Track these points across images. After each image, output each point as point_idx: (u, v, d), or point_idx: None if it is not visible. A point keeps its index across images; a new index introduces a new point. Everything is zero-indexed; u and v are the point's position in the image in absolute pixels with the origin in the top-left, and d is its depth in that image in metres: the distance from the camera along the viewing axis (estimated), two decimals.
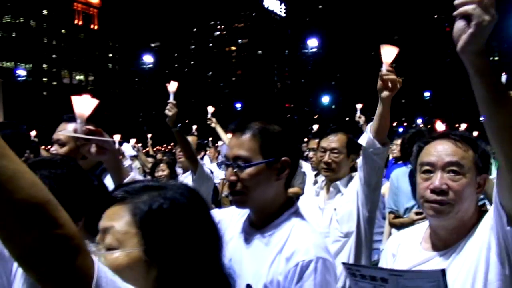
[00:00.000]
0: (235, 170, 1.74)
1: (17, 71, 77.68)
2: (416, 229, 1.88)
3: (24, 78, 79.55)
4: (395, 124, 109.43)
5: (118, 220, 1.16)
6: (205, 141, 11.66)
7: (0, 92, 21.81)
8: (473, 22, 1.09)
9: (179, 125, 4.12)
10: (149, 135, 16.11)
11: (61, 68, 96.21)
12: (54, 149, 3.03)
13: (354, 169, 3.38)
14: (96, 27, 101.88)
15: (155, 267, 1.14)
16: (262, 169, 1.73)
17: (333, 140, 3.27)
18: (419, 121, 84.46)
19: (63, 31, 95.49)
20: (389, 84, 2.70)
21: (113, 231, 1.15)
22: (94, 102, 1.98)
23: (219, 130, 7.94)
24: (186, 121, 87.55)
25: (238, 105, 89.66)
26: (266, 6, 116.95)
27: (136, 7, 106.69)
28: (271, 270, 1.69)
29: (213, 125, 7.73)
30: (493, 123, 1.26)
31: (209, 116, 7.54)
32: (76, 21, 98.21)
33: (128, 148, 9.94)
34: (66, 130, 2.66)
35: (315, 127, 12.06)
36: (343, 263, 1.59)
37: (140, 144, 18.82)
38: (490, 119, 1.26)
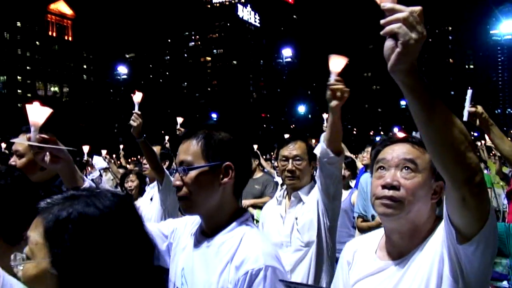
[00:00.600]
0: (180, 174, 1.77)
1: None
2: (372, 236, 1.85)
3: None
4: (372, 133, 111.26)
5: (34, 230, 1.16)
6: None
7: None
8: (399, 41, 1.07)
9: (144, 135, 4.12)
10: (121, 146, 16.09)
11: (35, 80, 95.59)
12: (13, 160, 2.97)
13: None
14: (70, 39, 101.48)
15: (63, 279, 1.11)
16: (204, 173, 1.76)
17: (294, 148, 3.25)
18: (396, 129, 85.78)
19: (37, 42, 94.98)
20: (338, 94, 2.74)
21: (29, 241, 1.16)
22: (48, 110, 2.00)
23: None
24: (162, 132, 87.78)
25: (214, 116, 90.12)
26: (240, 16, 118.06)
27: (111, 18, 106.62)
28: (221, 278, 1.70)
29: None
30: (430, 141, 1.24)
31: (178, 126, 7.59)
32: (50, 33, 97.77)
33: (100, 160, 10.09)
34: (20, 138, 2.66)
35: (287, 136, 12.18)
36: (280, 280, 1.62)
37: (114, 155, 19.01)
38: (428, 138, 1.24)
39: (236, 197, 1.85)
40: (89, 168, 9.80)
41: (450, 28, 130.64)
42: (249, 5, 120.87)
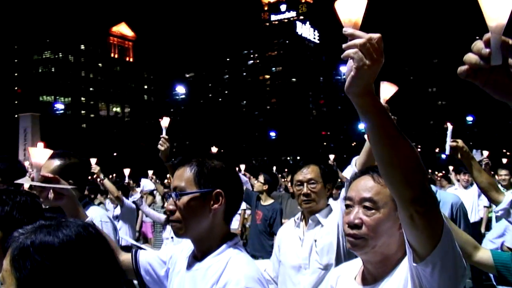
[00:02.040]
0: (174, 199, 1.85)
1: (55, 105, 78.97)
2: (354, 263, 1.91)
3: (62, 111, 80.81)
4: (437, 150, 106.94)
5: (6, 258, 1.22)
6: None
7: (38, 125, 21.61)
8: (354, 65, 1.13)
9: (173, 159, 4.04)
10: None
11: (98, 101, 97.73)
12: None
13: (331, 196, 3.43)
14: (131, 60, 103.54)
15: None
16: (196, 199, 1.83)
17: (308, 172, 3.26)
18: None
19: (99, 64, 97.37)
20: None
21: (2, 268, 1.22)
22: (48, 152, 2.12)
23: None
24: (222, 150, 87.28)
25: (273, 134, 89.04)
26: (299, 33, 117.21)
27: (170, 38, 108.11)
28: None
29: None
30: (379, 160, 1.30)
31: None
32: (112, 54, 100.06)
33: (148, 183, 9.69)
34: (24, 179, 2.55)
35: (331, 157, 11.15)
36: None
37: (168, 175, 18.29)
38: (377, 157, 1.30)
39: (226, 222, 1.93)
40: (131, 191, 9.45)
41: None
42: (308, 22, 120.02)
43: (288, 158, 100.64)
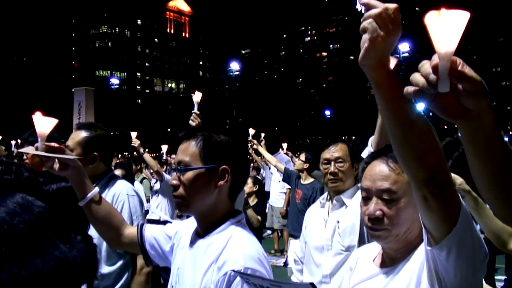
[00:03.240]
0: (178, 174, 1.81)
1: (111, 79, 79.15)
2: (376, 245, 1.87)
3: (117, 86, 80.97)
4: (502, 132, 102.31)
5: None
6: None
7: (92, 100, 20.96)
8: (367, 37, 1.10)
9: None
10: None
11: (153, 76, 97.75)
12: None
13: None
14: (187, 35, 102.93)
15: None
16: (201, 175, 1.79)
17: (336, 150, 3.24)
18: None
19: (156, 39, 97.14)
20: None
21: None
22: (54, 121, 2.09)
23: (262, 151, 7.77)
24: (276, 128, 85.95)
25: (328, 112, 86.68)
26: (359, 9, 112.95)
27: (227, 14, 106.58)
28: (205, 278, 1.73)
29: (254, 146, 7.74)
30: (393, 138, 1.26)
31: (249, 138, 7.61)
32: (168, 30, 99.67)
33: None
34: (27, 148, 2.56)
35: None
36: (233, 271, 1.65)
37: None
38: (391, 134, 1.26)
39: (231, 200, 1.90)
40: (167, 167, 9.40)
41: None
42: None
43: (344, 137, 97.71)
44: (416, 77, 0.97)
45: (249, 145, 7.75)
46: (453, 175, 3.07)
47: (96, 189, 2.14)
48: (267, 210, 10.51)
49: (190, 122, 3.82)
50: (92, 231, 2.12)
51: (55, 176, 2.14)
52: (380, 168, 1.68)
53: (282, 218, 9.46)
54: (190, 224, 2.00)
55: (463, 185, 2.88)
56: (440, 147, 1.27)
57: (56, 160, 2.02)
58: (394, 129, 1.23)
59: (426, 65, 0.95)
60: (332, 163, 3.20)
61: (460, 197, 1.34)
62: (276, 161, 7.88)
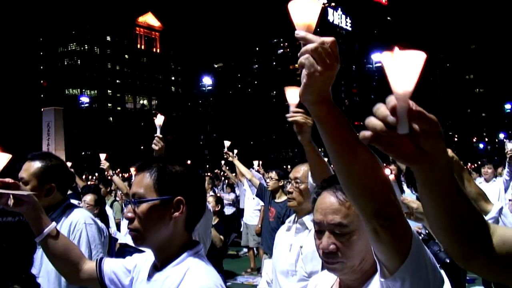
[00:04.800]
0: (132, 206, 1.80)
1: (81, 98, 77.55)
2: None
3: (87, 104, 79.44)
4: (475, 139, 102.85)
5: None
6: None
7: (61, 119, 19.88)
8: (305, 72, 1.09)
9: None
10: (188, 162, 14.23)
11: (125, 93, 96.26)
12: None
13: None
14: (158, 51, 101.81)
15: None
16: (155, 207, 1.78)
17: (297, 171, 3.31)
18: (502, 136, 78.29)
19: (126, 56, 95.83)
20: (301, 123, 2.60)
21: None
22: (7, 156, 2.11)
23: (237, 163, 7.76)
24: (251, 143, 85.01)
25: None
26: (331, 20, 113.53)
27: (198, 28, 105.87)
28: None
29: (230, 158, 7.70)
30: (338, 172, 1.24)
31: (225, 150, 7.56)
32: (138, 45, 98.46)
33: None
34: None
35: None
36: None
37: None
38: (336, 168, 1.24)
39: (187, 230, 1.88)
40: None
41: None
42: (340, 9, 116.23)
43: (320, 149, 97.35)
44: (372, 121, 0.94)
45: (225, 157, 7.83)
46: (408, 198, 3.13)
47: (53, 224, 2.12)
48: (242, 228, 10.59)
49: (153, 146, 3.78)
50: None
51: (7, 211, 2.11)
52: (330, 200, 1.66)
53: (257, 235, 9.39)
54: (149, 257, 1.97)
55: (419, 208, 2.88)
56: (387, 178, 1.26)
57: (11, 196, 1.99)
58: (339, 164, 1.22)
59: (382, 108, 0.92)
60: (292, 182, 3.27)
61: (410, 227, 1.32)
62: (252, 175, 7.77)
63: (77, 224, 2.88)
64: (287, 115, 2.59)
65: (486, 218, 3.04)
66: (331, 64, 1.09)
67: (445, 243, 1.14)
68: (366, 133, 0.96)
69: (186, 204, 1.80)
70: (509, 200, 7.62)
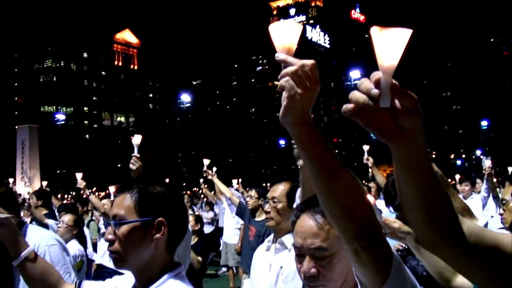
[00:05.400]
0: (113, 228, 1.78)
1: (57, 115, 76.36)
2: None
3: (63, 122, 78.22)
4: (452, 156, 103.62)
5: None
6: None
7: (36, 137, 19.30)
8: (285, 95, 1.10)
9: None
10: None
11: (102, 110, 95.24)
12: None
13: None
14: (136, 67, 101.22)
15: None
16: (136, 228, 1.76)
17: (274, 190, 3.29)
18: (479, 152, 78.87)
19: (103, 72, 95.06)
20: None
21: None
22: None
23: (217, 182, 7.75)
24: (230, 160, 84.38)
25: (283, 142, 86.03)
26: (309, 37, 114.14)
27: (176, 45, 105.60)
28: None
29: (209, 177, 7.69)
30: (318, 193, 1.25)
31: (204, 168, 7.59)
32: (116, 62, 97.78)
33: None
34: None
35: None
36: None
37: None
38: (316, 189, 1.25)
39: (169, 252, 1.87)
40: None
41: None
42: (318, 26, 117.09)
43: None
44: (356, 94, 0.97)
45: (204, 175, 7.81)
46: (390, 219, 2.99)
47: (31, 247, 2.13)
48: (221, 248, 10.61)
49: (131, 166, 3.77)
50: None
51: None
52: (309, 224, 1.64)
53: (237, 254, 9.33)
54: (129, 278, 1.94)
55: (402, 227, 2.81)
56: (368, 199, 1.27)
57: None
58: (319, 185, 1.23)
59: (366, 82, 0.96)
60: (270, 202, 3.24)
61: (391, 248, 1.33)
62: (231, 194, 7.72)
63: (39, 247, 2.81)
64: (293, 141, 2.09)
65: None
66: (311, 86, 1.09)
67: (418, 227, 1.15)
68: (349, 106, 0.98)
69: (168, 225, 1.78)
70: (492, 216, 7.77)
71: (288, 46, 1.13)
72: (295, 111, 1.11)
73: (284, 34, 1.13)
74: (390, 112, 0.98)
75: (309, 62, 1.10)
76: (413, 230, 1.19)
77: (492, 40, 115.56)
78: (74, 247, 5.16)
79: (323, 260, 1.60)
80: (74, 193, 26.34)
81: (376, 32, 0.92)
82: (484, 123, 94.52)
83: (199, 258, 6.81)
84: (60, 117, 76.33)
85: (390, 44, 0.92)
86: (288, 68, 1.09)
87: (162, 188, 1.83)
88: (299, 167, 2.69)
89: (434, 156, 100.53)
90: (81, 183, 7.52)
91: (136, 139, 4.00)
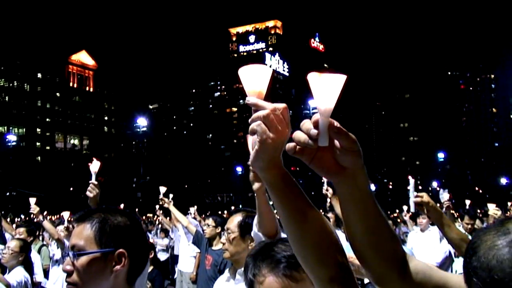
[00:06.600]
0: (71, 259, 1.73)
1: (8, 136, 73.95)
2: None
3: (14, 143, 75.76)
4: (409, 188, 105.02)
5: None
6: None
7: None
8: (257, 139, 1.08)
9: (103, 206, 3.42)
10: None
11: (55, 132, 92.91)
12: None
13: None
14: (91, 89, 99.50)
15: None
16: (96, 259, 1.72)
17: (230, 221, 3.31)
18: (435, 184, 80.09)
19: (57, 94, 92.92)
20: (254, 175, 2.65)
21: None
22: None
23: (173, 210, 7.74)
24: (186, 186, 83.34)
25: (239, 169, 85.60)
26: (268, 65, 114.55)
27: (133, 67, 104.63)
28: None
29: (166, 205, 7.69)
30: (291, 239, 1.24)
31: (161, 196, 7.57)
32: (71, 84, 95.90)
33: None
34: None
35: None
36: None
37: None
38: (289, 235, 1.23)
39: (129, 284, 1.82)
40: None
41: (493, 76, 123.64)
42: (277, 54, 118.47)
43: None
44: (298, 134, 1.03)
45: (160, 203, 7.76)
46: (354, 256, 2.76)
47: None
48: (175, 276, 10.28)
49: (88, 193, 3.69)
50: None
51: None
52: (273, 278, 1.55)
53: (192, 283, 9.23)
54: None
55: None
56: (339, 241, 1.25)
57: None
58: (291, 229, 1.21)
59: (307, 123, 1.02)
60: (225, 233, 3.28)
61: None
62: (188, 222, 7.67)
63: None
64: (249, 163, 1.82)
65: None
66: (283, 130, 1.08)
67: (366, 262, 1.16)
68: (291, 144, 1.03)
69: (128, 257, 1.74)
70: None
71: (259, 90, 1.11)
72: (267, 155, 1.10)
73: (254, 78, 1.12)
74: (331, 151, 1.02)
75: (281, 105, 1.09)
76: (362, 265, 1.19)
77: (449, 73, 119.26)
78: (20, 273, 5.04)
79: None
80: (24, 217, 25.33)
81: (314, 78, 0.98)
82: (440, 155, 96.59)
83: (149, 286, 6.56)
84: (12, 138, 73.99)
85: (326, 88, 0.97)
86: (260, 111, 1.08)
87: (123, 219, 1.78)
88: (255, 192, 2.65)
89: (390, 187, 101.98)
90: (34, 208, 7.31)
91: (94, 166, 3.88)
